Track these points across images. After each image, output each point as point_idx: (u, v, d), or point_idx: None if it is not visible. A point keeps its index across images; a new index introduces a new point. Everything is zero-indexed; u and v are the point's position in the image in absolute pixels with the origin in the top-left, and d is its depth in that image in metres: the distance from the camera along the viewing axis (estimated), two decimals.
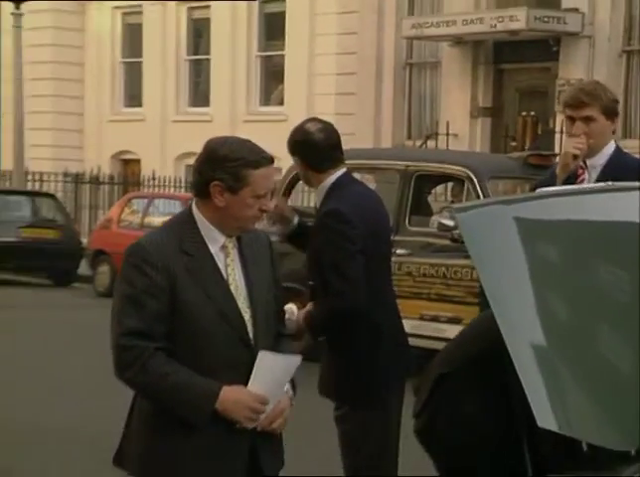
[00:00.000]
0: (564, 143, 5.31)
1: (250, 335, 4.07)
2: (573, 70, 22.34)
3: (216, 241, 4.08)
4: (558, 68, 22.73)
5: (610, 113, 5.29)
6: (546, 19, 22.06)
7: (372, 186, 15.22)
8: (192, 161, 20.05)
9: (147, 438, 4.01)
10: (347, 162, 14.89)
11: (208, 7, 29.13)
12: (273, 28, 28.37)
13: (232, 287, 4.09)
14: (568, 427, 3.99)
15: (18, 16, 25.80)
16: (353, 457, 5.59)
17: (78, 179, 28.51)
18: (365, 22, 25.47)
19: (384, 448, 5.59)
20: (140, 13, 30.64)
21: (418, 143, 23.25)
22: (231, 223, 4.10)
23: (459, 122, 23.54)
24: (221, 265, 4.09)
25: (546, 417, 3.82)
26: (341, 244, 5.49)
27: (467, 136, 23.38)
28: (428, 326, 12.61)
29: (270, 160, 4.21)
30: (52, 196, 24.72)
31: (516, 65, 23.60)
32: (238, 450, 4.05)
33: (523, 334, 3.81)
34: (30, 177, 27.41)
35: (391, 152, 17.84)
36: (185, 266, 3.96)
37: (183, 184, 26.53)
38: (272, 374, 3.97)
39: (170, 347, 3.90)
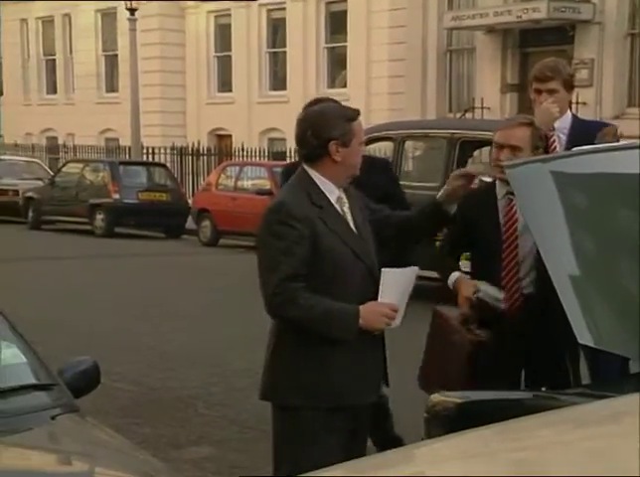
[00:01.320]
0: (539, 109, 5.21)
1: (373, 262, 4.05)
2: (586, 51, 22.09)
3: (333, 194, 4.05)
4: (573, 50, 22.42)
5: (568, 86, 5.26)
6: (563, 9, 21.83)
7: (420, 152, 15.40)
8: (273, 135, 20.23)
9: (299, 368, 3.99)
10: (402, 132, 14.85)
11: (284, 8, 29.06)
12: (337, 24, 28.19)
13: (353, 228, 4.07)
14: (602, 342, 4.03)
15: (132, 21, 26.02)
16: None
17: (182, 152, 28.59)
18: (412, 16, 25.26)
19: None
20: (229, 15, 30.62)
21: (458, 116, 23.08)
22: (345, 173, 4.08)
23: (491, 97, 23.36)
24: (340, 212, 4.07)
25: (584, 335, 3.89)
26: None
27: (498, 109, 23.20)
28: None
29: (358, 111, 4.19)
30: (163, 165, 24.90)
31: (538, 48, 23.31)
32: (373, 360, 4.10)
33: (562, 266, 3.86)
34: (145, 151, 27.54)
35: (438, 123, 17.60)
36: (319, 216, 3.94)
37: (266, 154, 26.55)
38: (396, 286, 3.95)
39: (312, 284, 3.88)
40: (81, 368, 3.90)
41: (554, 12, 21.59)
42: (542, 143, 4.69)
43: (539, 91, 5.22)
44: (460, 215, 4.68)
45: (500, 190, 4.62)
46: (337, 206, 4.07)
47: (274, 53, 30.00)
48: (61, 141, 33.20)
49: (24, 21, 36.55)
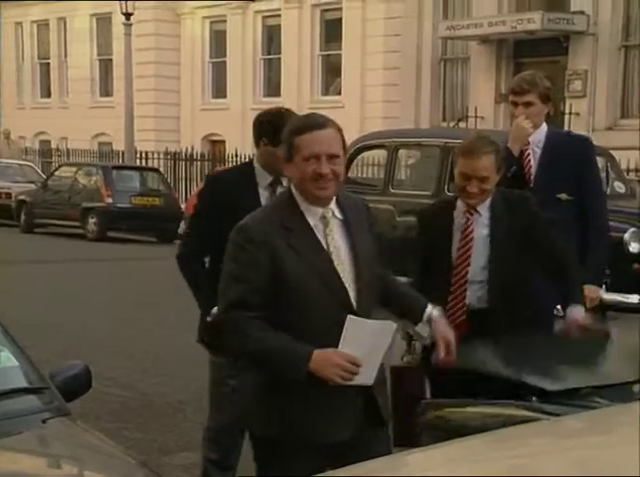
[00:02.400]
0: (515, 123, 5.26)
1: (353, 301, 3.58)
2: (580, 62, 22.12)
3: (314, 213, 3.56)
4: (567, 61, 22.47)
5: (545, 99, 5.21)
6: (557, 20, 21.86)
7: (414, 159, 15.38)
8: None
9: (265, 399, 3.67)
10: (395, 140, 14.86)
11: (279, 15, 29.07)
12: (332, 31, 28.19)
13: (333, 256, 3.57)
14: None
15: (128, 26, 26.03)
16: None
17: (176, 157, 28.57)
18: (407, 25, 25.29)
19: None
20: (225, 22, 30.60)
21: (452, 124, 23.11)
22: (303, 190, 3.58)
23: (485, 107, 23.38)
24: (320, 236, 3.58)
25: None
26: None
27: (492, 118, 23.22)
28: None
29: (316, 126, 3.59)
30: (156, 170, 24.91)
31: (532, 59, 23.37)
32: (349, 400, 3.57)
33: None
34: (138, 155, 27.55)
35: (431, 131, 17.64)
36: (287, 241, 3.50)
37: None
38: (361, 338, 3.45)
39: (271, 316, 3.50)
40: (73, 372, 3.90)
41: (548, 23, 21.64)
42: (503, 163, 4.57)
43: (515, 104, 5.20)
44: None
45: (460, 205, 4.54)
46: (317, 227, 3.60)
47: (269, 59, 30.09)
48: (54, 145, 33.16)
49: (19, 24, 36.51)
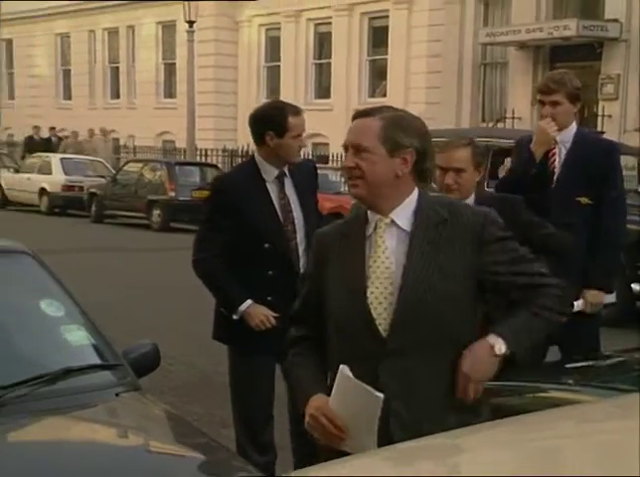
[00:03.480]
0: (539, 125, 4.94)
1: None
2: (612, 67, 21.92)
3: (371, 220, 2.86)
4: (600, 65, 22.26)
5: (573, 99, 4.81)
6: (592, 27, 21.65)
7: None
8: (317, 140, 20.07)
9: None
10: (437, 140, 14.73)
11: (330, 23, 29.02)
12: (379, 38, 28.16)
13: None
14: None
15: (190, 33, 26.10)
16: None
17: (233, 153, 28.59)
18: (449, 32, 25.19)
19: None
20: (279, 29, 30.66)
21: (490, 125, 22.96)
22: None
23: (522, 109, 23.20)
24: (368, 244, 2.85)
25: None
26: None
27: (528, 119, 22.99)
28: None
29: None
30: (215, 166, 24.88)
31: (567, 64, 23.03)
32: None
33: None
34: (198, 152, 27.66)
35: (471, 131, 17.46)
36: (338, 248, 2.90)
37: (310, 157, 26.43)
38: (347, 398, 2.72)
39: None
40: (144, 350, 3.94)
41: (583, 30, 21.45)
42: (483, 160, 4.33)
43: (542, 103, 4.88)
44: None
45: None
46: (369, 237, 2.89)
47: (320, 64, 30.07)
48: (122, 142, 33.36)
49: (92, 32, 36.83)
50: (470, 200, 4.02)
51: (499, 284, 2.89)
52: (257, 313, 4.22)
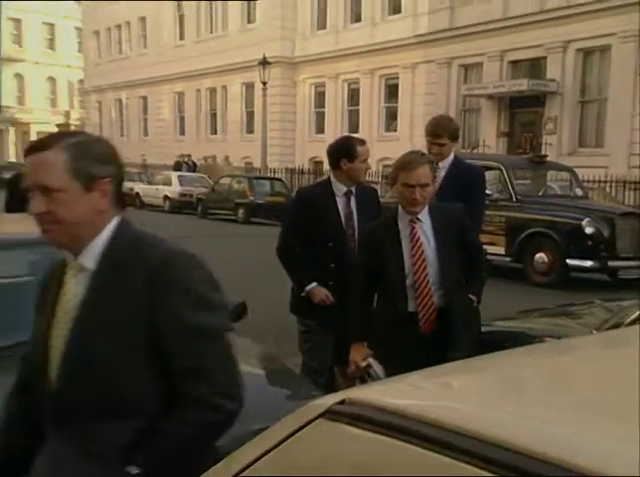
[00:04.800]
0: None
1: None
2: (552, 111, 21.74)
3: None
4: (544, 110, 22.07)
5: (454, 138, 4.34)
6: (538, 85, 21.67)
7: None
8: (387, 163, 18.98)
9: None
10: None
11: (358, 82, 28.95)
12: (392, 92, 27.83)
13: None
14: None
15: (264, 89, 26.22)
16: None
17: (292, 171, 28.62)
18: (440, 88, 25.02)
19: None
20: (324, 86, 30.67)
21: (469, 150, 22.78)
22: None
23: (490, 140, 23.07)
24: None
25: None
26: None
27: (494, 147, 22.92)
28: None
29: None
30: (280, 180, 24.91)
31: (521, 109, 22.99)
32: None
33: None
34: (269, 170, 27.65)
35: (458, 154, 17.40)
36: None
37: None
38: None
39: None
40: (235, 303, 3.89)
41: (532, 86, 21.48)
42: (433, 172, 3.64)
43: (432, 144, 4.25)
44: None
45: (403, 217, 3.42)
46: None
47: (351, 110, 29.94)
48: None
49: (198, 90, 37.08)
50: (425, 210, 3.40)
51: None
52: (320, 292, 4.04)
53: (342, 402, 1.04)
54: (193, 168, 30.53)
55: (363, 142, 4.13)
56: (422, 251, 3.35)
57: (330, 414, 1.02)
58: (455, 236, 3.43)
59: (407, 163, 3.33)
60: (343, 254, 3.97)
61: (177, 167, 30.28)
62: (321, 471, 0.98)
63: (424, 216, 3.38)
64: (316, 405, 1.06)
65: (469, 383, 1.18)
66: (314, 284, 4.06)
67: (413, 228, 3.37)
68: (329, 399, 1.06)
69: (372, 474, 0.93)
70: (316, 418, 1.02)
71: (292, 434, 1.04)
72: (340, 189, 4.13)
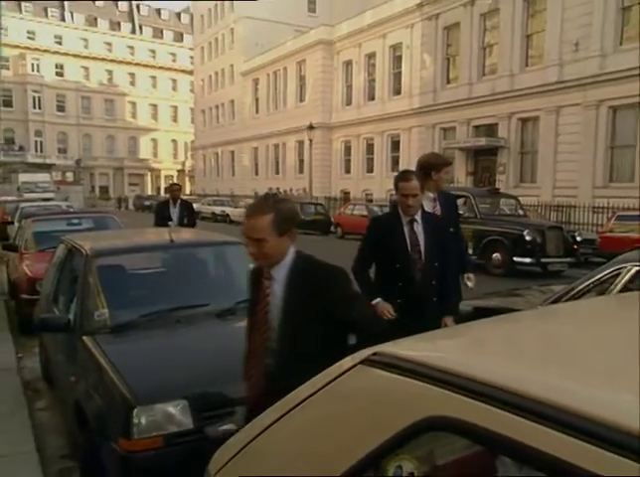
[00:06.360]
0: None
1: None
2: (502, 159, 21.20)
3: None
4: (497, 158, 21.64)
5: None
6: (493, 141, 21.41)
7: None
8: (367, 192, 18.80)
9: None
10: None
11: (373, 139, 28.60)
12: (395, 146, 27.65)
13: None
14: None
15: (310, 144, 25.90)
16: None
17: (329, 198, 28.01)
18: (426, 143, 24.62)
19: None
20: (350, 142, 30.25)
21: (446, 185, 22.48)
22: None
23: (462, 178, 22.75)
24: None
25: None
26: None
27: (464, 183, 22.57)
28: None
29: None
30: (321, 204, 24.63)
31: (481, 157, 22.60)
32: None
33: None
34: (312, 198, 26.76)
35: None
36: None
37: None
38: None
39: None
40: None
41: (488, 142, 21.08)
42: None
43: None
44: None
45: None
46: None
47: (369, 158, 29.02)
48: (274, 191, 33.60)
49: (267, 146, 36.83)
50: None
51: None
52: (382, 307, 3.02)
53: (374, 354, 1.08)
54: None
55: (406, 178, 3.06)
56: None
57: (366, 362, 1.06)
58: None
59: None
60: (408, 276, 3.04)
61: None
62: (360, 399, 1.00)
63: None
64: (357, 356, 1.09)
65: (462, 341, 1.19)
66: (378, 300, 3.10)
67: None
68: (366, 352, 1.08)
69: (394, 400, 0.97)
70: (357, 365, 1.05)
71: (341, 374, 1.07)
72: (405, 218, 3.13)
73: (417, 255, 3.11)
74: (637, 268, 3.04)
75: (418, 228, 3.11)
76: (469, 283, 3.56)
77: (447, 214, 3.47)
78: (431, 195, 3.48)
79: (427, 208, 3.35)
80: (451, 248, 3.10)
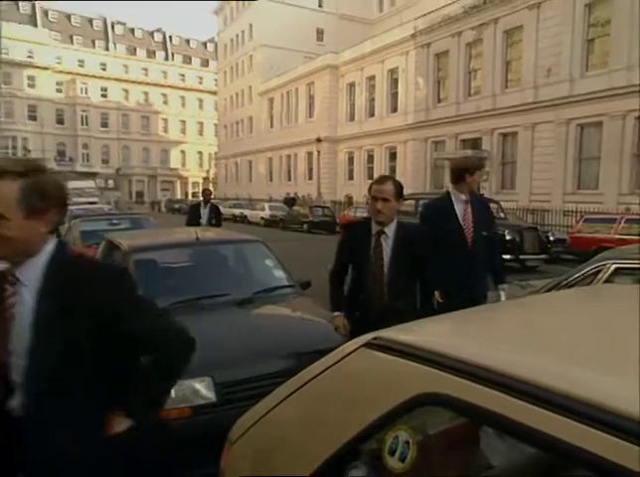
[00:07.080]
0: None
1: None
2: (486, 168, 21.22)
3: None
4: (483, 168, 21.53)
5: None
6: (477, 153, 21.16)
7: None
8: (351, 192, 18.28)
9: None
10: (420, 195, 13.53)
11: (373, 150, 28.43)
12: (393, 156, 27.40)
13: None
14: None
15: (318, 155, 25.92)
16: None
17: (335, 202, 27.47)
18: (421, 154, 24.56)
19: None
20: (353, 153, 30.02)
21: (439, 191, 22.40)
22: None
23: (448, 184, 22.51)
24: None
25: None
26: None
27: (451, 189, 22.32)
28: None
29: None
30: (328, 207, 24.24)
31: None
32: None
33: None
34: (324, 202, 26.72)
35: (430, 193, 15.09)
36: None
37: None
38: None
39: None
40: (304, 280, 3.85)
41: (472, 154, 20.59)
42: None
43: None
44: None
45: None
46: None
47: (369, 167, 28.64)
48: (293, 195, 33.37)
49: (280, 157, 36.41)
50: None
51: None
52: (337, 321, 2.55)
53: (375, 338, 1.08)
54: (294, 199, 29.27)
55: (382, 182, 2.49)
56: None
57: (368, 345, 1.06)
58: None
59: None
60: (374, 281, 2.49)
61: (287, 200, 28.58)
62: (362, 377, 1.01)
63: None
64: (359, 340, 1.09)
65: (452, 326, 1.18)
66: (337, 313, 2.59)
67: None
68: (368, 336, 1.08)
69: (392, 379, 0.97)
70: (359, 348, 1.05)
71: (344, 357, 1.07)
72: (375, 228, 2.54)
73: (379, 270, 2.45)
74: (616, 266, 2.97)
75: (387, 241, 2.46)
76: (502, 295, 2.94)
77: (480, 217, 3.00)
78: (464, 197, 3.02)
79: (459, 210, 2.94)
80: (425, 275, 2.50)
